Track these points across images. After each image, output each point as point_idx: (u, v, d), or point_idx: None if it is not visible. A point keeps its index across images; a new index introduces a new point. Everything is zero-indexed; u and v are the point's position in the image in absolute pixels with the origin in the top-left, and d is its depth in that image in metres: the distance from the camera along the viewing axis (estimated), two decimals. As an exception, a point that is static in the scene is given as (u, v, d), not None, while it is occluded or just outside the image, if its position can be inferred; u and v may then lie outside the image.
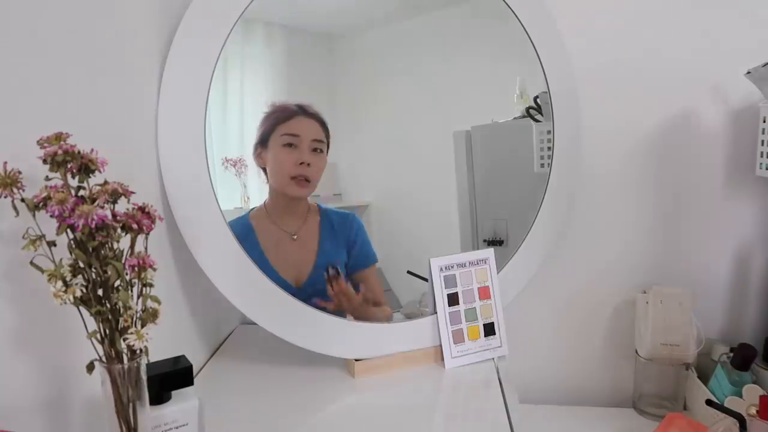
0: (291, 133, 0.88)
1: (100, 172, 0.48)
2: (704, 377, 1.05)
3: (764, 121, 0.97)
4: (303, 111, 0.90)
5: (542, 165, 1.04)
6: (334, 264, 0.90)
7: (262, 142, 0.89)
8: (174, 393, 0.58)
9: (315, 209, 0.93)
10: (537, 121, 1.04)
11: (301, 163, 0.88)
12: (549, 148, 1.03)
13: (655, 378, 1.08)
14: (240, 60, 0.87)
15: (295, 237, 0.91)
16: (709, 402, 0.91)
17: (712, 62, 1.06)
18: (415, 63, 1.01)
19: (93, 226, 0.44)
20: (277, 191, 0.90)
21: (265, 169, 0.90)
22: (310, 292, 0.89)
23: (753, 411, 0.84)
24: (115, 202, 0.48)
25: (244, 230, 0.88)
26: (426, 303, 0.92)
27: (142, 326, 0.47)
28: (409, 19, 1.01)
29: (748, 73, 0.94)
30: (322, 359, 0.85)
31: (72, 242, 0.46)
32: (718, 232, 1.12)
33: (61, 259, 0.46)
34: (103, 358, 0.48)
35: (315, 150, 0.89)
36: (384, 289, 0.98)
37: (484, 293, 0.92)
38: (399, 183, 1.02)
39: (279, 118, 0.89)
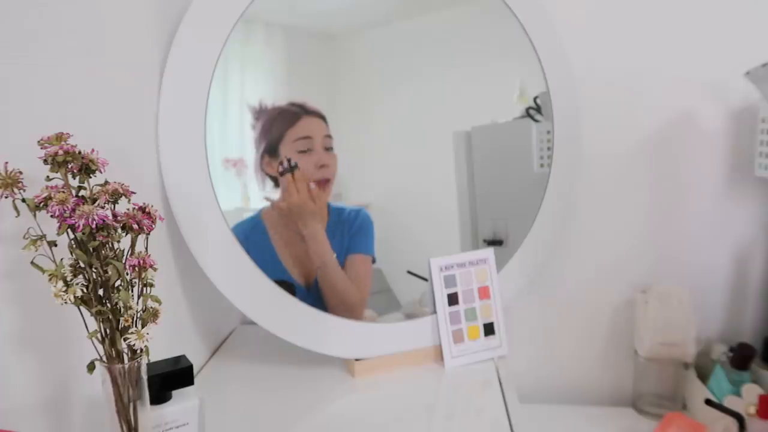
0: (303, 136, 0.86)
1: (100, 172, 0.48)
2: (703, 377, 1.05)
3: (763, 121, 0.97)
4: (304, 110, 0.89)
5: (542, 165, 1.04)
6: (293, 162, 0.86)
7: (270, 151, 0.88)
8: (174, 393, 0.58)
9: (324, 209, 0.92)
10: (537, 121, 1.04)
11: (322, 166, 0.87)
12: (549, 148, 1.03)
13: (654, 377, 1.08)
14: (240, 60, 0.86)
15: None
16: (708, 401, 0.91)
17: (712, 62, 1.06)
18: (415, 63, 1.01)
19: (94, 226, 0.44)
20: None
21: (271, 176, 0.89)
22: (320, 293, 0.89)
23: (752, 410, 0.84)
24: (115, 202, 0.49)
25: (255, 228, 0.87)
26: (426, 303, 0.92)
27: (143, 326, 0.48)
28: (409, 19, 1.01)
29: (748, 73, 0.94)
30: (322, 359, 0.85)
31: (73, 242, 0.46)
32: (718, 232, 1.12)
33: (61, 259, 0.46)
34: (104, 358, 0.48)
35: (328, 149, 0.89)
36: (384, 289, 0.98)
37: (484, 293, 0.92)
38: (399, 183, 1.02)
39: (285, 123, 0.87)
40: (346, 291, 0.90)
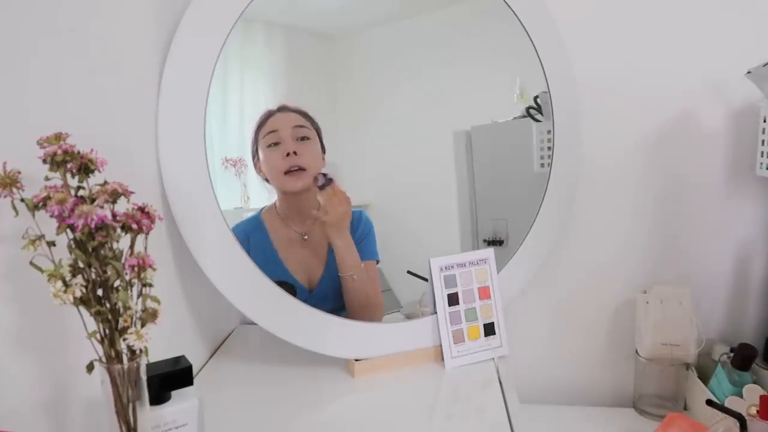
0: (269, 131, 0.88)
1: (99, 172, 0.48)
2: (704, 377, 1.05)
3: (764, 121, 0.97)
4: (280, 109, 0.89)
5: (542, 165, 1.04)
6: (324, 174, 0.87)
7: (255, 154, 0.89)
8: (174, 393, 0.58)
9: None
10: (537, 120, 1.04)
11: (287, 155, 0.87)
12: (549, 148, 1.03)
13: (655, 378, 1.08)
14: (240, 60, 0.87)
15: (306, 238, 0.90)
16: (709, 402, 0.91)
17: (712, 62, 1.05)
18: (415, 63, 1.01)
19: (93, 226, 0.44)
20: (279, 191, 0.89)
21: (264, 178, 0.90)
22: (323, 295, 0.88)
23: (753, 411, 0.84)
24: (114, 202, 0.48)
25: (257, 228, 0.87)
26: (426, 303, 0.92)
27: (142, 326, 0.48)
28: (409, 19, 1.01)
29: (749, 73, 0.94)
30: (322, 359, 0.85)
31: (72, 242, 0.46)
32: (718, 232, 1.12)
33: (60, 259, 0.46)
34: (103, 358, 0.48)
35: (300, 139, 0.88)
36: (384, 289, 0.98)
37: (484, 293, 0.92)
38: (399, 183, 1.02)
39: (259, 124, 0.89)
40: (375, 296, 0.92)
